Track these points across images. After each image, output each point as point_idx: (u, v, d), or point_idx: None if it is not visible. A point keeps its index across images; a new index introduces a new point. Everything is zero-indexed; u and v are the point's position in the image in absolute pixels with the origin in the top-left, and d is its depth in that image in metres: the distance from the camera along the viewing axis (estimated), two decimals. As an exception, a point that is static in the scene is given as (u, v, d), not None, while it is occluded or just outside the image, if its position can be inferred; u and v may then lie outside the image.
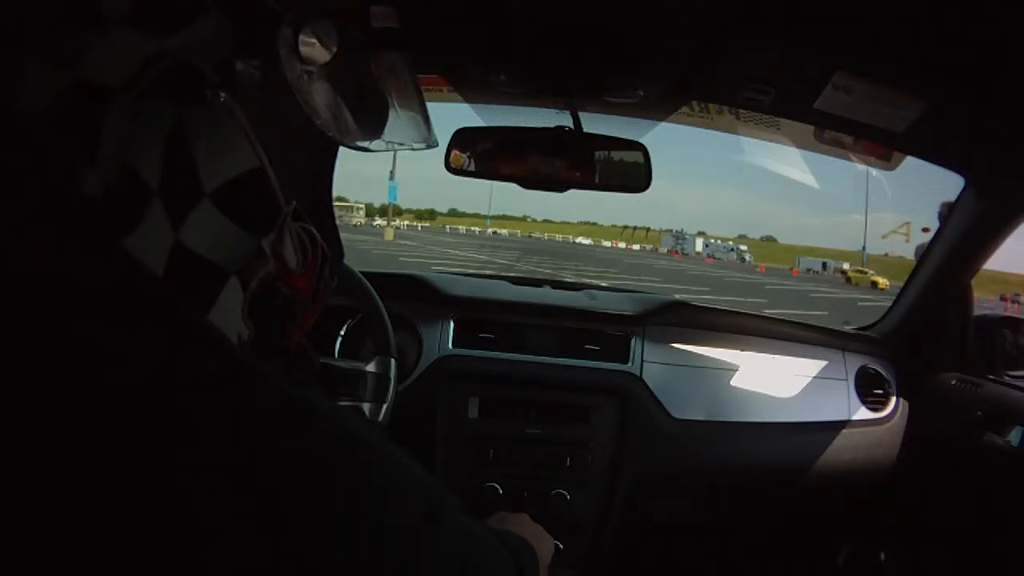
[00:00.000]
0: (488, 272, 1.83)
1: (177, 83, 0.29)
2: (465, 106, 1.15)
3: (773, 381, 1.26)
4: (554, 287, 1.42)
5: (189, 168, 0.29)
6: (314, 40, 0.33)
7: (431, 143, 0.45)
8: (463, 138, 1.03)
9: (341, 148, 0.41)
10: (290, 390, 0.27)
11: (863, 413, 1.28)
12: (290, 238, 0.35)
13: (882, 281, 23.39)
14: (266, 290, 0.35)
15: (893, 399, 1.31)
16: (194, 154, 0.29)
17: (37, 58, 0.26)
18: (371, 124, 0.40)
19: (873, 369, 1.32)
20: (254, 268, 0.33)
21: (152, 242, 0.29)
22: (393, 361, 0.96)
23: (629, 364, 1.20)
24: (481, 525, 0.37)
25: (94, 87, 0.26)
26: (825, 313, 11.43)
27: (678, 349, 1.25)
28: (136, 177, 0.28)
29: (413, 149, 0.44)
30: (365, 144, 0.40)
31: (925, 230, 1.44)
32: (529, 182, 1.06)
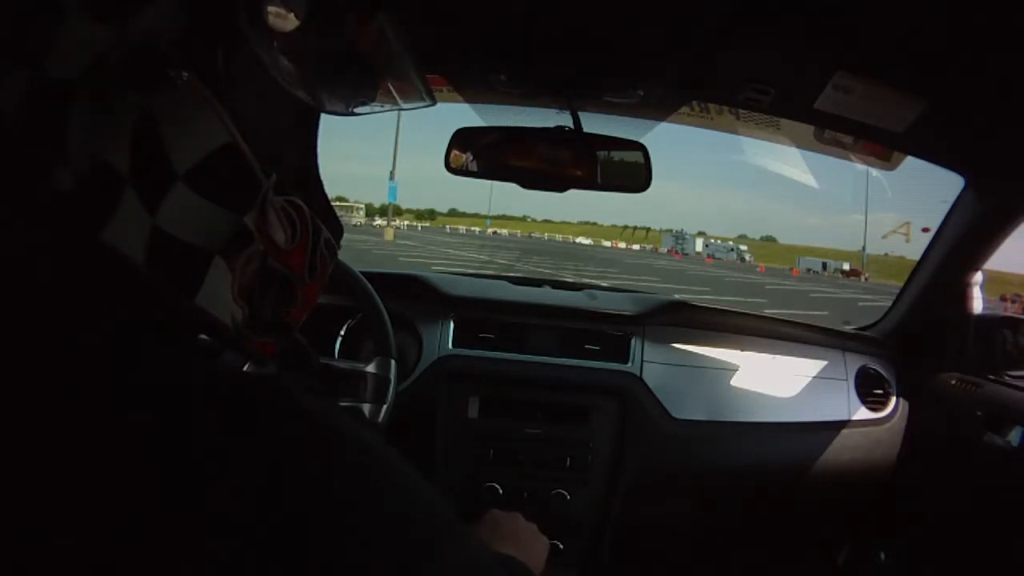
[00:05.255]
0: (488, 272, 1.83)
1: (138, 68, 0.28)
2: (465, 106, 1.15)
3: (773, 381, 1.26)
4: (554, 287, 1.42)
5: (159, 152, 0.29)
6: (279, 8, 0.32)
7: (426, 102, 0.44)
8: (463, 138, 1.03)
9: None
10: (299, 399, 0.27)
11: (863, 413, 1.28)
12: (274, 213, 0.35)
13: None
14: (257, 269, 0.34)
15: (893, 399, 1.31)
16: (162, 137, 0.29)
17: (1, 59, 0.26)
18: (349, 88, 0.39)
19: (873, 369, 1.32)
20: (239, 247, 0.33)
21: (130, 230, 0.28)
22: (393, 362, 0.96)
23: (629, 364, 1.20)
24: (487, 551, 0.36)
25: (55, 81, 0.26)
26: (825, 313, 11.43)
27: (678, 349, 1.25)
28: (107, 167, 0.27)
29: (403, 109, 0.43)
30: (348, 109, 0.39)
31: (925, 230, 1.44)
32: (529, 182, 1.06)
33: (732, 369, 1.25)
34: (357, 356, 1.06)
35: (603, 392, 1.18)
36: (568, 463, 1.13)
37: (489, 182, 1.13)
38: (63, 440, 0.22)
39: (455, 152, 1.03)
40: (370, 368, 0.96)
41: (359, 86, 0.39)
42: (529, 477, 1.13)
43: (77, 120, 0.26)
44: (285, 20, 0.32)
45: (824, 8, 0.72)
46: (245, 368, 0.79)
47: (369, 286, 1.00)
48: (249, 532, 0.22)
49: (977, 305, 1.24)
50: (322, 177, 0.44)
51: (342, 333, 1.15)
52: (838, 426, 1.26)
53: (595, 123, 1.03)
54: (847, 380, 1.30)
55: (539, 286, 1.43)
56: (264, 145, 0.34)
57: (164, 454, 0.23)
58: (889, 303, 1.41)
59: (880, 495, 1.31)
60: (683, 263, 29.74)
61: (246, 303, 0.34)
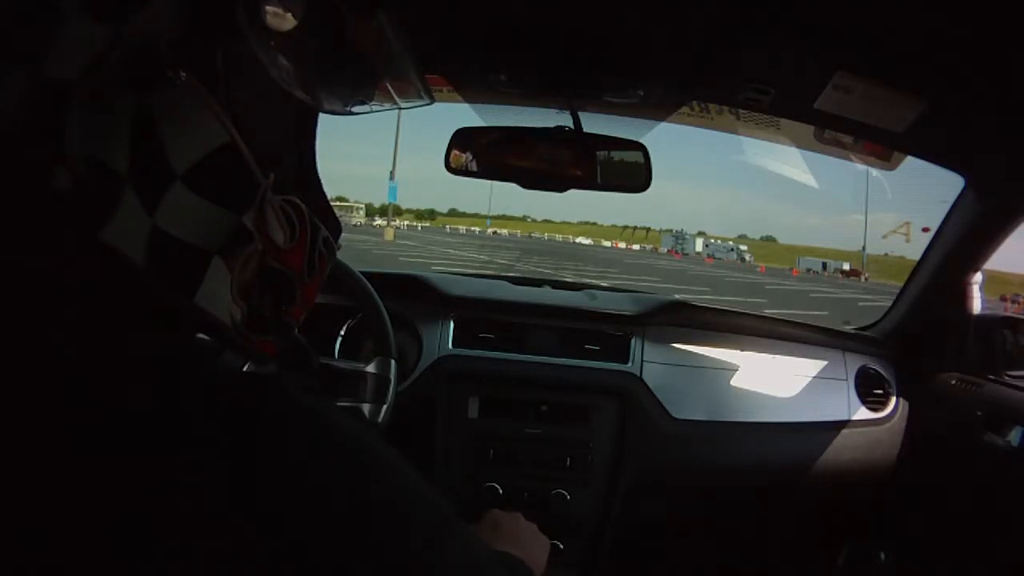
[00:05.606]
0: (488, 272, 1.83)
1: (136, 68, 0.28)
2: (465, 106, 1.15)
3: (773, 381, 1.26)
4: (554, 287, 1.42)
5: (157, 152, 0.29)
6: (278, 7, 0.32)
7: (425, 101, 0.44)
8: (463, 138, 1.03)
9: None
10: (299, 399, 0.27)
11: (863, 413, 1.28)
12: (273, 212, 0.35)
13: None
14: (256, 268, 0.34)
15: (893, 399, 1.31)
16: (161, 137, 0.29)
17: (1, 59, 0.26)
18: (347, 87, 0.39)
19: (873, 369, 1.32)
20: (238, 246, 0.33)
21: (129, 230, 0.28)
22: (393, 362, 0.96)
23: (629, 364, 1.20)
24: (486, 549, 0.36)
25: (55, 81, 0.26)
26: (825, 313, 11.43)
27: (678, 349, 1.25)
28: (106, 167, 0.27)
29: (401, 108, 0.43)
30: (346, 108, 0.39)
31: (925, 230, 1.44)
32: (529, 182, 1.06)
33: (732, 369, 1.25)
34: (357, 356, 1.06)
35: (603, 392, 1.18)
36: (568, 463, 1.13)
37: (489, 182, 1.13)
38: (63, 440, 0.22)
39: (455, 152, 1.03)
40: (370, 368, 0.96)
41: (358, 86, 0.39)
42: (529, 477, 1.13)
43: (76, 120, 0.26)
44: (284, 20, 0.32)
45: (824, 8, 0.72)
46: (245, 368, 0.79)
47: (369, 286, 1.00)
48: (250, 532, 0.22)
49: (977, 305, 1.24)
50: (322, 177, 0.44)
51: (342, 333, 1.15)
52: (838, 426, 1.26)
53: (595, 123, 1.03)
54: (847, 380, 1.30)
55: (539, 286, 1.43)
56: (263, 145, 0.34)
57: (164, 454, 0.23)
58: (889, 303, 1.41)
59: (880, 495, 1.31)
60: (683, 263, 29.73)
61: (245, 302, 0.34)
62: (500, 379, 1.16)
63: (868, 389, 1.30)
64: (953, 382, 1.23)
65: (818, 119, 1.03)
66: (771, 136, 1.21)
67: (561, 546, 1.09)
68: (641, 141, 1.03)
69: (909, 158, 1.10)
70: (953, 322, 1.25)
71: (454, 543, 0.28)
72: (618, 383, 1.18)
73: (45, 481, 0.21)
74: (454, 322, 1.20)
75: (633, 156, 1.03)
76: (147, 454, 0.22)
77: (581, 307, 1.25)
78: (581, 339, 1.22)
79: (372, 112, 0.41)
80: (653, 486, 1.20)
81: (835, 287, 22.76)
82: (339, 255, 0.43)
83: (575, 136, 1.02)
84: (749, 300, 12.83)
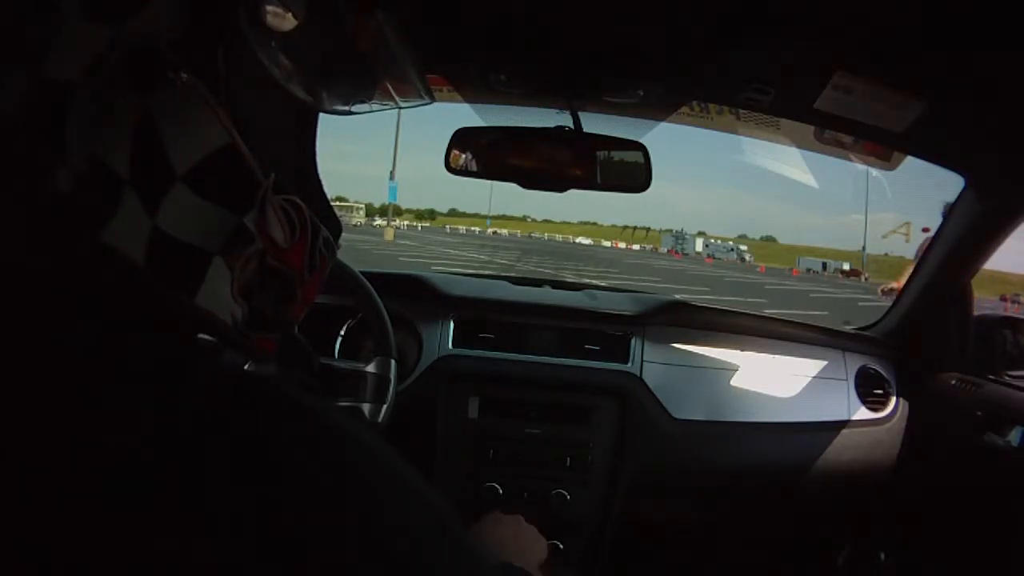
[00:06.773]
0: (488, 272, 1.83)
1: (137, 69, 0.28)
2: (465, 106, 1.15)
3: (773, 381, 1.26)
4: (554, 287, 1.42)
5: (158, 153, 0.29)
6: (278, 7, 0.32)
7: (425, 101, 0.44)
8: (463, 138, 1.03)
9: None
10: (299, 398, 0.27)
11: (863, 413, 1.28)
12: (273, 212, 0.35)
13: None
14: (256, 267, 0.34)
15: (893, 399, 1.31)
16: (162, 138, 0.29)
17: (1, 59, 0.26)
18: (348, 86, 0.39)
19: (873, 369, 1.32)
20: (239, 247, 0.33)
21: (129, 231, 0.28)
22: (393, 362, 0.96)
23: (629, 364, 1.20)
24: (486, 551, 0.36)
25: (53, 81, 0.26)
26: (825, 313, 11.43)
27: (678, 349, 1.25)
28: (106, 168, 0.28)
29: (401, 108, 0.43)
30: (346, 107, 0.39)
31: (925, 230, 1.44)
32: (529, 182, 1.06)
33: (732, 369, 1.25)
34: (357, 356, 1.06)
35: (603, 392, 1.18)
36: (568, 463, 1.13)
37: (489, 182, 1.13)
38: (62, 440, 0.22)
39: (455, 152, 1.03)
40: (370, 368, 0.96)
41: (358, 86, 0.40)
42: (529, 477, 1.13)
43: (77, 120, 0.26)
44: (284, 20, 0.32)
45: (824, 8, 0.72)
46: (246, 367, 0.79)
47: (369, 286, 1.00)
48: (248, 531, 0.22)
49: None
50: (322, 177, 0.44)
51: (342, 333, 1.15)
52: (838, 426, 1.26)
53: (595, 123, 1.04)
54: (847, 380, 1.30)
55: (539, 286, 1.43)
56: (263, 145, 0.34)
57: (164, 453, 0.23)
58: (889, 303, 1.41)
59: (880, 495, 1.31)
60: (683, 263, 29.69)
61: (246, 301, 0.34)
62: (500, 379, 1.16)
63: (868, 389, 1.30)
64: (953, 382, 1.23)
65: (818, 119, 1.03)
66: (771, 136, 1.21)
67: (561, 546, 1.09)
68: (641, 141, 1.03)
69: (909, 158, 1.10)
70: (953, 322, 1.25)
71: (454, 545, 0.28)
72: (618, 383, 1.18)
73: (45, 481, 0.21)
74: (454, 322, 1.20)
75: (633, 156, 1.03)
76: (147, 454, 0.22)
77: (581, 307, 1.25)
78: (581, 339, 1.22)
79: (372, 112, 0.41)
80: (653, 486, 1.20)
81: (835, 287, 22.74)
82: (339, 255, 0.44)
83: (575, 136, 1.02)
84: (749, 300, 12.82)
